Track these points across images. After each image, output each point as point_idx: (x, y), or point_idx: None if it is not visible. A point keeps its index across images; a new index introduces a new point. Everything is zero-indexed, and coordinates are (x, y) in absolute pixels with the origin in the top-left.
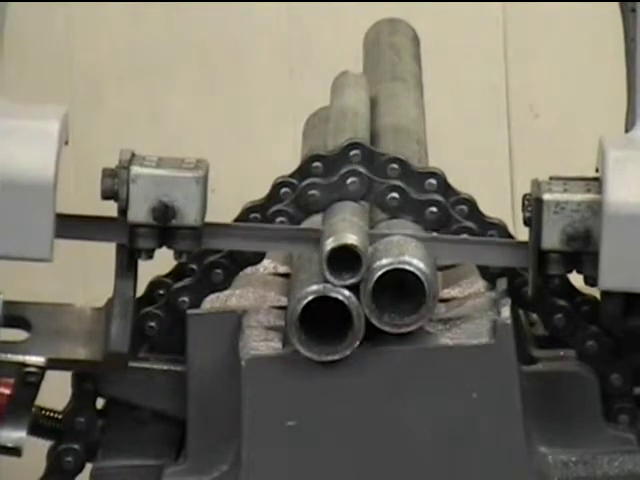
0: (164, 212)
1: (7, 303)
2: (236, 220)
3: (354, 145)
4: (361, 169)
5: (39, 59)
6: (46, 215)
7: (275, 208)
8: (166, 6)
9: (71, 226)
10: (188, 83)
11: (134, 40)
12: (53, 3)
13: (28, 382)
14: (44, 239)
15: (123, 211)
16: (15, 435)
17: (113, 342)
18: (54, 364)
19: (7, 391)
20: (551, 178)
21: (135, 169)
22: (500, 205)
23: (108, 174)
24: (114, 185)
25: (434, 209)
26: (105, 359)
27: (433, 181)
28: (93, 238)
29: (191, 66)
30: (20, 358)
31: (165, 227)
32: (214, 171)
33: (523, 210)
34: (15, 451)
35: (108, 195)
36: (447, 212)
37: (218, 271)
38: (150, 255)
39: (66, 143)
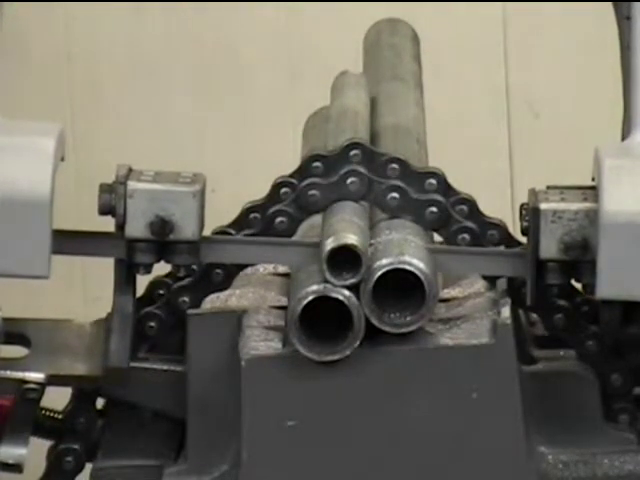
0: (162, 227)
1: (6, 320)
2: (236, 220)
3: (354, 145)
4: (361, 169)
5: (39, 59)
6: (43, 232)
7: (275, 208)
8: (166, 6)
9: (69, 242)
10: (188, 83)
11: (134, 40)
12: (53, 3)
13: (28, 398)
14: (41, 256)
15: (121, 226)
16: (16, 452)
17: (112, 357)
18: (54, 380)
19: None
20: (548, 187)
21: (132, 184)
22: (500, 205)
23: (105, 189)
24: (111, 200)
25: (434, 209)
26: (104, 374)
27: (433, 181)
28: (91, 253)
29: (191, 66)
30: (20, 375)
31: (163, 242)
32: (214, 171)
33: (521, 219)
34: (16, 468)
35: (106, 210)
36: (447, 212)
37: (218, 271)
38: (148, 270)
39: (62, 159)
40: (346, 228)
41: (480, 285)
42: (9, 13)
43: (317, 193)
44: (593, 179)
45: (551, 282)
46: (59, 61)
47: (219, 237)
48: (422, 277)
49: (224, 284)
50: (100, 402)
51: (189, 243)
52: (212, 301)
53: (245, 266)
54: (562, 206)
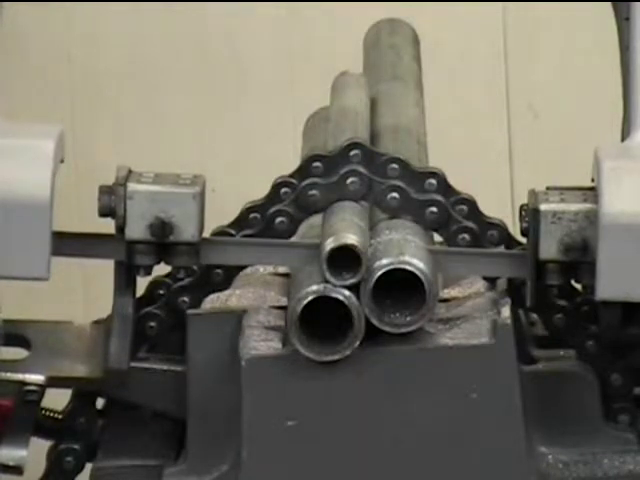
0: (161, 228)
1: (6, 321)
2: (236, 220)
3: (354, 145)
4: (361, 169)
5: (39, 59)
6: (42, 234)
7: (275, 208)
8: (166, 6)
9: (69, 244)
10: (188, 83)
11: (134, 40)
12: (53, 3)
13: (28, 400)
14: (41, 258)
15: (121, 228)
16: (16, 454)
17: (112, 359)
18: (54, 382)
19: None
20: (548, 188)
21: (132, 186)
22: (500, 205)
23: (105, 191)
24: (111, 202)
25: (434, 209)
26: (104, 376)
27: (433, 181)
28: (91, 255)
29: (191, 66)
30: (20, 377)
31: (163, 243)
32: (214, 171)
33: (520, 220)
34: (16, 470)
35: (106, 212)
36: (447, 212)
37: (218, 271)
38: (148, 271)
39: (62, 161)
40: (346, 228)
41: (480, 285)
42: (9, 13)
43: (317, 193)
44: (593, 180)
45: (551, 283)
46: (59, 61)
47: (219, 239)
48: (422, 277)
49: (224, 284)
50: (100, 402)
51: (189, 245)
52: (212, 301)
53: (245, 266)
54: (562, 207)
